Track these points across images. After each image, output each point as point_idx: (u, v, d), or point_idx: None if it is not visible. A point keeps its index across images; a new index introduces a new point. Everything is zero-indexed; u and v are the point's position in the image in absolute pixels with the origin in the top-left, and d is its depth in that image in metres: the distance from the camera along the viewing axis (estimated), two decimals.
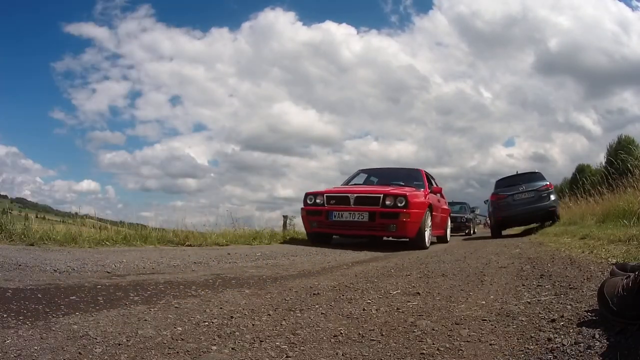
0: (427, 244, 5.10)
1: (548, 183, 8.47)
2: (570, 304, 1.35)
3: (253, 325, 1.24)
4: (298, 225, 7.57)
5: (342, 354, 0.99)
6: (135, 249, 3.39)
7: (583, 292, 1.52)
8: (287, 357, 0.98)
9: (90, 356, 0.94)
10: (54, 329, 1.10)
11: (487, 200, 9.15)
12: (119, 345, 1.02)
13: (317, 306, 1.49)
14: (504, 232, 8.90)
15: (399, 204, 4.69)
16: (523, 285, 1.79)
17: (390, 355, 0.99)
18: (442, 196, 7.04)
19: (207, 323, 1.24)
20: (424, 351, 1.00)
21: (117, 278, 1.98)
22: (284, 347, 1.05)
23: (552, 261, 2.59)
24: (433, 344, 1.05)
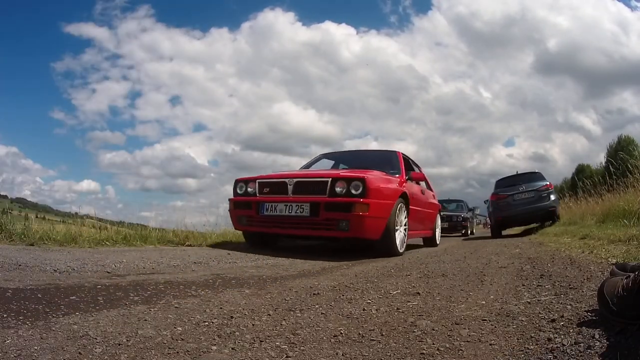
0: (400, 249, 3.74)
1: (548, 183, 8.47)
2: (570, 304, 1.35)
3: (253, 325, 1.24)
4: None
5: (342, 354, 1.00)
6: (135, 249, 3.39)
7: (583, 292, 1.52)
8: (287, 357, 0.98)
9: (90, 356, 0.94)
10: (54, 329, 1.10)
11: (487, 200, 9.16)
12: (119, 345, 1.02)
13: (317, 306, 1.49)
14: (504, 232, 8.90)
15: (354, 191, 3.31)
16: (523, 285, 1.79)
17: (390, 355, 0.99)
18: (429, 187, 5.73)
19: (207, 323, 1.24)
20: (424, 351, 1.00)
21: (117, 278, 1.98)
22: (284, 347, 1.05)
23: (552, 261, 2.59)
24: (433, 344, 1.05)
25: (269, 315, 1.36)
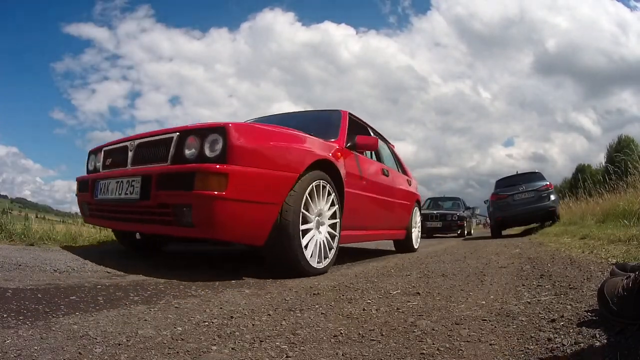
0: (319, 263, 2.33)
1: (548, 183, 8.48)
2: (570, 304, 1.35)
3: (253, 325, 1.24)
4: None
5: (342, 354, 0.99)
6: None
7: (583, 292, 1.52)
8: (287, 357, 0.98)
9: (90, 356, 0.94)
10: (54, 329, 1.10)
11: (487, 200, 9.17)
12: (119, 345, 1.02)
13: (317, 306, 1.49)
14: (504, 232, 8.90)
15: (209, 153, 1.94)
16: (523, 285, 1.79)
17: (390, 355, 0.99)
18: (400, 168, 4.31)
19: (207, 323, 1.24)
20: (424, 351, 1.00)
21: (117, 278, 1.98)
22: (284, 347, 1.05)
23: (552, 261, 2.59)
24: (433, 344, 1.05)
25: (269, 315, 1.36)
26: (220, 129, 1.92)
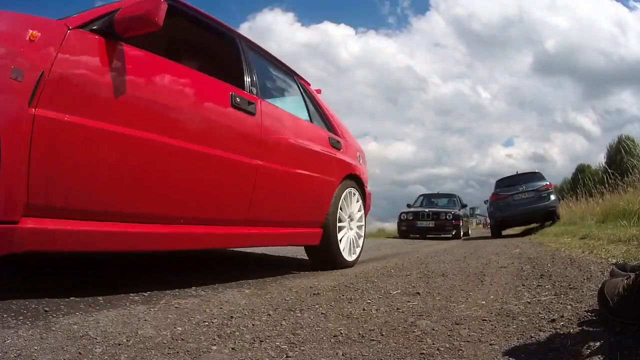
0: None
1: (548, 183, 8.49)
2: (570, 304, 1.35)
3: (253, 325, 1.24)
4: None
5: (342, 354, 1.00)
6: None
7: (583, 292, 1.52)
8: (287, 357, 0.98)
9: (90, 356, 0.94)
10: (54, 329, 1.10)
11: (487, 200, 9.17)
12: (119, 345, 1.02)
13: (317, 306, 1.49)
14: (504, 232, 8.90)
15: None
16: (523, 285, 1.79)
17: (390, 355, 0.99)
18: (319, 115, 2.69)
19: (207, 323, 1.24)
20: (424, 351, 1.00)
21: (116, 278, 1.97)
22: (284, 347, 1.05)
23: (552, 261, 2.59)
24: (433, 344, 1.05)
25: (269, 315, 1.36)
26: None
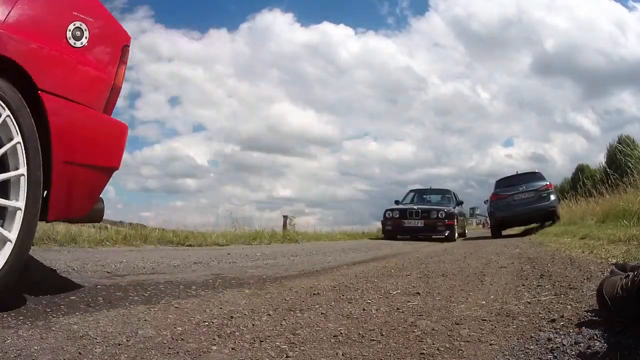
0: None
1: (548, 183, 8.49)
2: (570, 304, 1.35)
3: (253, 325, 1.24)
4: (298, 225, 7.53)
5: (342, 354, 0.99)
6: (135, 249, 3.39)
7: (583, 292, 1.52)
8: (287, 357, 0.98)
9: (90, 356, 0.94)
10: (54, 329, 1.10)
11: (487, 200, 9.16)
12: (119, 345, 1.02)
13: (317, 306, 1.49)
14: (504, 232, 8.90)
15: None
16: (523, 285, 1.79)
17: (390, 355, 0.99)
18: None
19: (207, 323, 1.24)
20: (424, 351, 1.00)
21: (117, 278, 1.97)
22: (284, 347, 1.05)
23: (552, 261, 2.59)
24: (433, 344, 1.05)
25: (269, 315, 1.36)
26: None
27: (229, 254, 3.36)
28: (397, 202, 9.40)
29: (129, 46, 1.63)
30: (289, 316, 1.35)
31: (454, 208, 8.72)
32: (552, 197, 8.26)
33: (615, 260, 2.19)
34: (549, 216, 8.23)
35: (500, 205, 8.48)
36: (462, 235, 9.33)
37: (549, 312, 1.28)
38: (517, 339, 1.06)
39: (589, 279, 1.78)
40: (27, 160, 1.23)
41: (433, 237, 7.94)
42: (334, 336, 1.13)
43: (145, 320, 1.25)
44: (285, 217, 8.06)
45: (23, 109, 1.23)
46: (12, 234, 1.19)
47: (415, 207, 8.56)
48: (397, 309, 1.44)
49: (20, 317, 1.17)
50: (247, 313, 1.38)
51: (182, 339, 1.08)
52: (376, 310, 1.42)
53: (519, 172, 9.49)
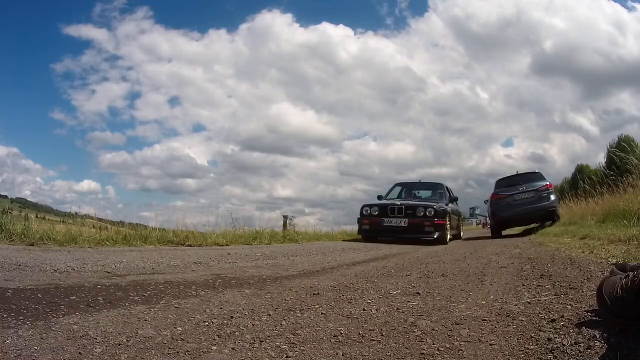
0: None
1: (548, 183, 8.48)
2: (570, 304, 1.35)
3: (253, 325, 1.24)
4: (298, 225, 7.52)
5: (342, 354, 0.99)
6: (135, 249, 3.39)
7: (583, 292, 1.52)
8: (287, 357, 0.98)
9: (90, 356, 0.94)
10: (54, 329, 1.10)
11: (487, 200, 9.16)
12: (119, 345, 1.02)
13: (317, 306, 1.49)
14: (504, 232, 8.90)
15: None
16: (523, 285, 1.79)
17: (390, 355, 0.99)
18: None
19: (207, 323, 1.24)
20: (424, 351, 1.00)
21: (117, 278, 1.97)
22: (284, 347, 1.05)
23: (552, 261, 2.59)
24: (433, 344, 1.05)
25: (269, 315, 1.36)
26: None
27: (229, 254, 3.35)
28: (379, 197, 7.81)
29: None
30: (289, 316, 1.35)
31: (447, 205, 7.23)
32: (552, 197, 8.26)
33: (615, 260, 2.19)
34: (549, 216, 8.22)
35: (500, 205, 8.48)
36: (457, 237, 7.95)
37: (549, 312, 1.28)
38: (517, 339, 1.06)
39: (589, 279, 1.78)
40: None
41: (422, 238, 6.40)
42: (334, 336, 1.13)
43: (145, 320, 1.25)
44: (285, 217, 8.05)
45: None
46: None
47: (397, 202, 6.95)
48: (397, 309, 1.44)
49: (20, 317, 1.17)
50: (247, 313, 1.38)
51: (182, 339, 1.08)
52: (376, 310, 1.42)
53: (519, 172, 9.49)
